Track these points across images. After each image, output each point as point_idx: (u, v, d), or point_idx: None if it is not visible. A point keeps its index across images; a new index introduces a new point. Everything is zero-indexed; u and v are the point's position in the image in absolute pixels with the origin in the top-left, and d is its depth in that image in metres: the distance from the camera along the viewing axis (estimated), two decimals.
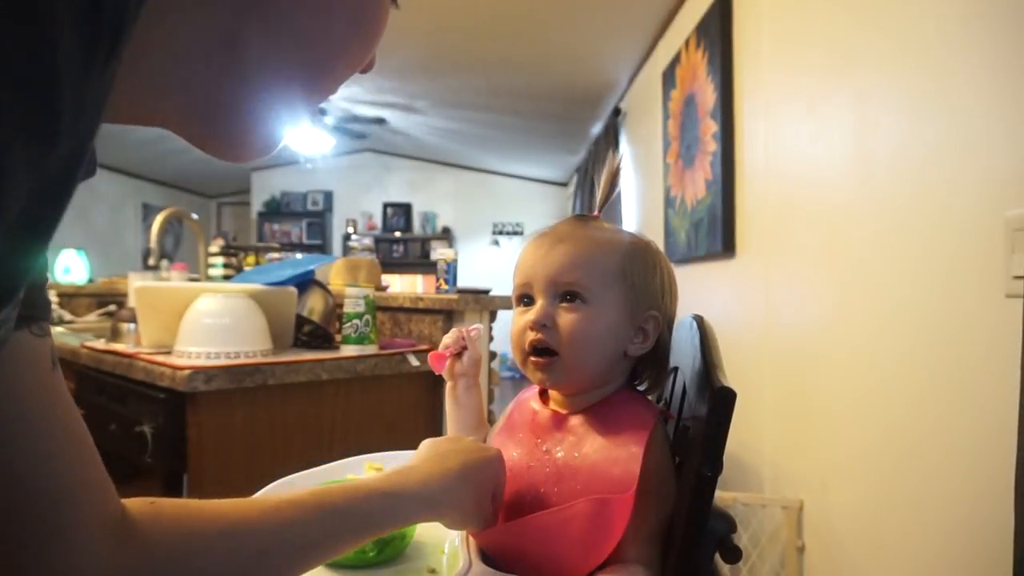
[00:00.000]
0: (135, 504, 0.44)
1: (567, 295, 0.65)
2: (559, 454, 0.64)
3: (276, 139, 0.42)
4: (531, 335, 0.65)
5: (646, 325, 0.67)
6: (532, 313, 0.65)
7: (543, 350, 0.64)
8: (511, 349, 0.68)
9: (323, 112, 5.26)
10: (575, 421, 0.66)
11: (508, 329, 0.71)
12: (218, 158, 0.41)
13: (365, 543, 0.56)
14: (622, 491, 0.58)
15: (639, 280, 0.67)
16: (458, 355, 0.78)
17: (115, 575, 0.40)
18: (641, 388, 0.71)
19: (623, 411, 0.65)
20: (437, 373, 0.79)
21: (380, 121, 5.66)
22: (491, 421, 0.74)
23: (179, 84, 0.36)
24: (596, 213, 0.72)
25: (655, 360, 0.70)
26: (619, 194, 4.04)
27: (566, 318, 0.64)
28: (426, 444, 0.64)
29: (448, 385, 0.79)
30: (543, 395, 0.71)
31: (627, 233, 0.71)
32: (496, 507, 0.64)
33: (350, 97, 5.08)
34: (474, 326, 0.82)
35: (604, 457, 0.62)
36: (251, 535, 0.47)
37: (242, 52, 0.36)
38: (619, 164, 0.72)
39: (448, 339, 0.78)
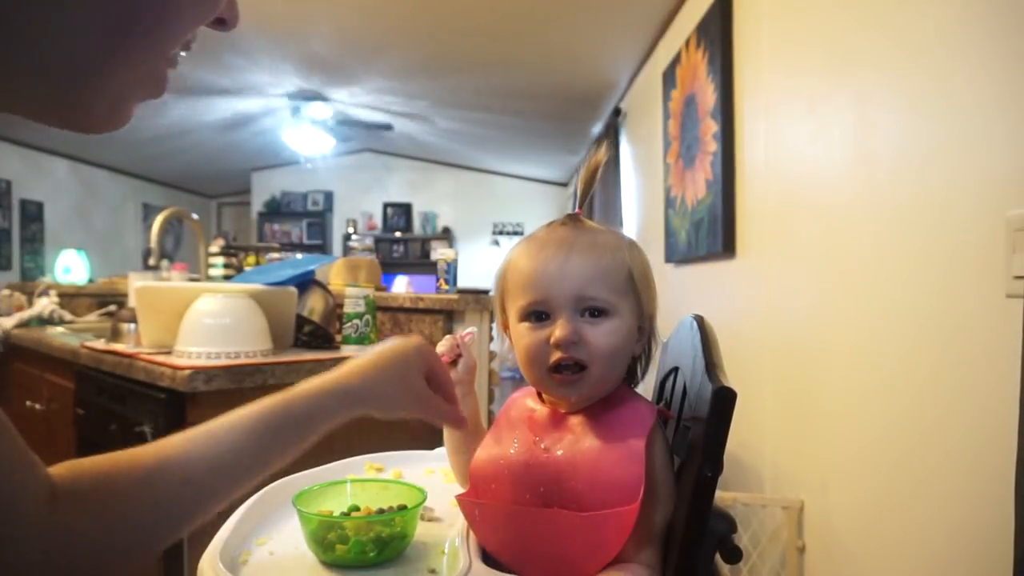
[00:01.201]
0: (57, 471, 0.46)
1: (590, 309, 0.64)
2: (559, 452, 0.64)
3: (126, 103, 0.40)
4: (557, 353, 0.63)
5: (644, 324, 0.68)
6: (559, 330, 0.63)
7: (570, 365, 0.63)
8: (523, 365, 0.66)
9: (324, 112, 5.26)
10: (575, 420, 0.66)
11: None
12: (70, 130, 0.40)
13: (298, 450, 0.58)
14: (627, 494, 0.58)
15: (642, 284, 0.67)
16: (453, 363, 0.77)
17: (49, 539, 0.42)
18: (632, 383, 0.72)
19: (623, 410, 0.65)
20: None
21: (387, 127, 5.67)
22: (491, 423, 0.74)
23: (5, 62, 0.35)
24: (578, 210, 0.70)
25: (645, 356, 0.71)
26: (619, 194, 4.04)
27: (593, 332, 0.63)
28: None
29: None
30: (540, 393, 0.71)
31: (615, 232, 0.70)
32: (446, 394, 0.68)
33: (351, 97, 5.08)
34: (468, 330, 0.81)
35: (607, 457, 0.62)
36: (171, 470, 0.50)
37: (63, 14, 0.35)
38: (601, 158, 0.71)
39: (442, 347, 0.77)
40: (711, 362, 0.62)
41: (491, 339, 2.08)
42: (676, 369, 0.75)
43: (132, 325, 1.73)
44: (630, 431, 0.62)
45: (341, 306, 1.79)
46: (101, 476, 0.47)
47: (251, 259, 3.12)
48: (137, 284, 1.70)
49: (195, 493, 0.50)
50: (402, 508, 0.71)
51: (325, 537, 0.67)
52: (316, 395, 0.59)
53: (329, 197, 7.83)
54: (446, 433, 0.79)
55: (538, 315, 0.65)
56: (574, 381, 0.64)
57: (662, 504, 0.62)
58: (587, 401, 0.67)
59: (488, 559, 0.65)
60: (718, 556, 0.62)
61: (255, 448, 0.54)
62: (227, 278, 2.66)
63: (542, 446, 0.66)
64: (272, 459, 0.56)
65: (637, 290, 0.66)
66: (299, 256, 3.21)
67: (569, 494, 0.62)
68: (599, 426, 0.64)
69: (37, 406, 2.10)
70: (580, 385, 0.64)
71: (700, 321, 0.71)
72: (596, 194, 4.54)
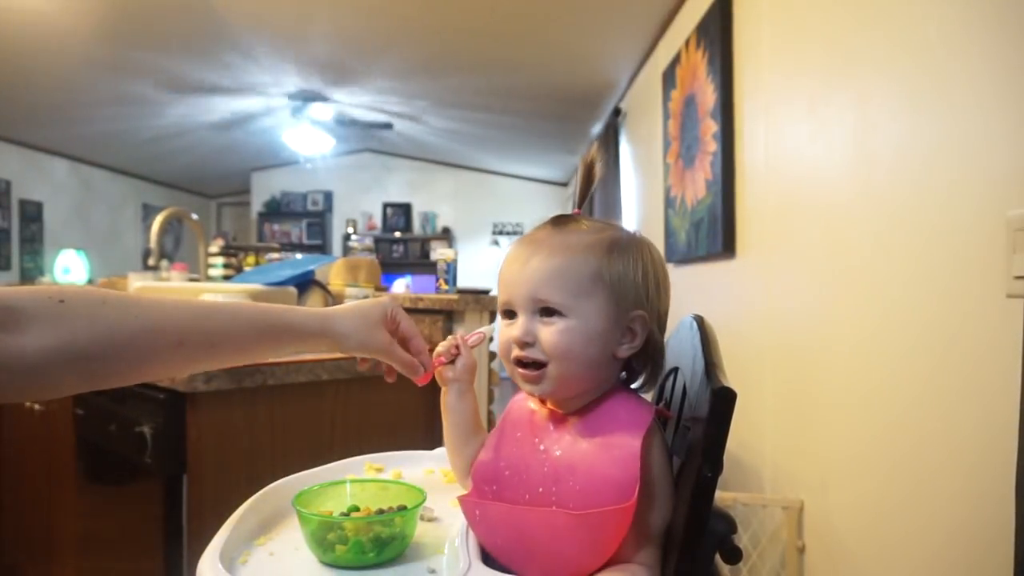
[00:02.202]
0: (73, 287, 0.63)
1: (544, 310, 0.65)
2: (557, 453, 0.65)
3: None
4: (516, 350, 0.66)
5: (633, 325, 0.66)
6: (515, 329, 0.66)
7: (531, 363, 0.65)
8: (501, 359, 0.69)
9: (324, 112, 5.26)
10: (571, 421, 0.67)
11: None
12: None
13: (272, 353, 0.72)
14: (622, 493, 0.59)
15: (619, 281, 0.66)
16: (451, 362, 0.78)
17: (56, 322, 0.57)
18: (637, 385, 0.71)
19: (618, 411, 0.65)
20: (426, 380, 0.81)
21: (387, 126, 5.66)
22: (492, 423, 0.75)
23: None
24: (576, 210, 0.71)
25: (648, 357, 0.69)
26: (619, 194, 4.04)
27: (546, 332, 0.64)
28: None
29: (442, 391, 0.79)
30: None
31: (611, 229, 0.69)
32: (413, 347, 0.81)
33: (350, 97, 5.08)
34: (477, 332, 0.83)
35: (602, 457, 0.62)
36: (168, 331, 0.63)
37: None
38: (593, 156, 0.71)
39: (441, 347, 0.79)
40: (711, 362, 0.62)
41: (491, 340, 2.08)
42: (676, 369, 0.75)
43: None
44: (626, 431, 0.62)
45: None
46: (113, 296, 0.61)
47: (251, 259, 3.12)
48: (137, 284, 1.70)
49: (184, 356, 0.64)
50: (402, 508, 0.71)
51: (325, 538, 0.67)
52: (296, 313, 0.73)
53: (329, 197, 7.83)
54: (446, 431, 0.80)
55: (508, 313, 0.68)
56: (535, 378, 0.66)
57: (659, 504, 0.62)
58: (573, 399, 0.67)
59: (488, 559, 0.65)
60: (718, 556, 0.62)
61: (243, 340, 0.69)
62: (227, 278, 2.66)
63: (541, 447, 0.66)
64: (253, 354, 0.71)
65: (612, 289, 0.65)
66: (299, 256, 3.20)
67: (567, 494, 0.62)
68: (596, 426, 0.65)
69: (36, 407, 2.10)
70: (541, 382, 0.66)
71: (700, 321, 0.71)
72: (596, 194, 4.54)
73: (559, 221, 0.70)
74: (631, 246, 0.68)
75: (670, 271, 0.72)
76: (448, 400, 0.78)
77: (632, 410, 0.65)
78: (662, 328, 0.69)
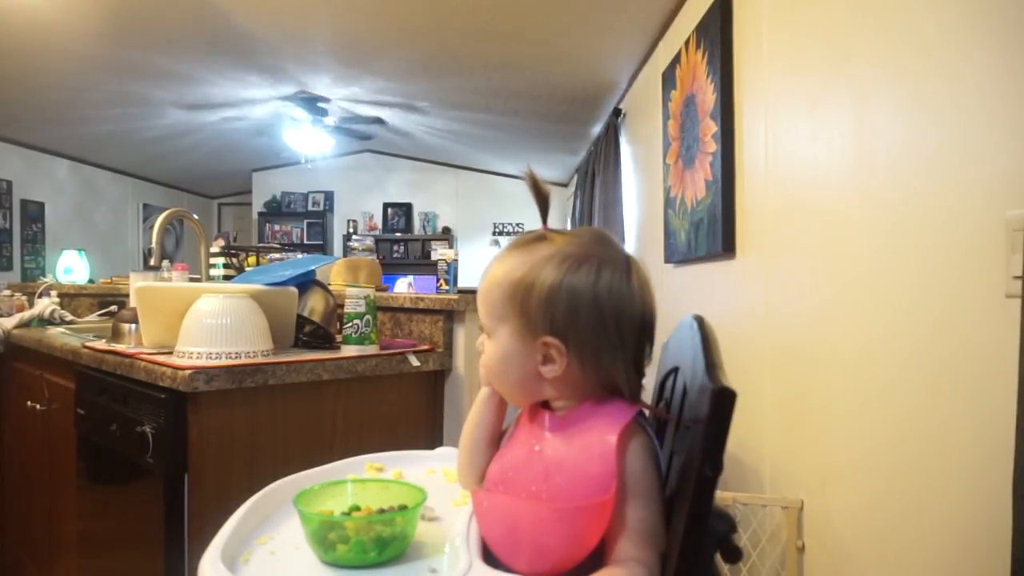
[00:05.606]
0: None
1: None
2: (549, 453, 0.68)
3: None
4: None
5: (548, 352, 0.67)
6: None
7: None
8: None
9: (324, 112, 5.26)
10: (561, 423, 0.69)
11: None
12: None
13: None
14: (599, 489, 0.61)
15: (525, 310, 0.67)
16: None
17: None
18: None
19: (600, 413, 0.67)
20: None
21: (379, 121, 5.66)
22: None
23: None
24: (543, 227, 0.75)
25: (593, 378, 0.67)
26: (619, 194, 4.04)
27: (484, 351, 0.73)
28: None
29: (484, 389, 0.77)
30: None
31: (548, 253, 0.68)
32: None
33: (351, 97, 5.09)
34: None
35: (583, 455, 0.65)
36: None
37: None
38: (531, 174, 0.76)
39: None
40: (711, 362, 0.62)
41: None
42: (676, 369, 0.75)
43: (133, 325, 1.74)
44: (606, 430, 0.65)
45: (342, 306, 1.79)
46: None
47: (252, 259, 3.12)
48: (138, 284, 1.70)
49: None
50: (402, 508, 0.72)
51: (326, 537, 0.67)
52: None
53: (329, 197, 7.84)
54: (470, 428, 0.77)
55: None
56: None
57: (643, 500, 0.63)
58: (560, 403, 0.70)
59: (489, 558, 0.65)
60: (718, 556, 0.62)
61: None
62: (228, 278, 2.66)
63: (536, 448, 0.69)
64: None
65: (520, 317, 0.67)
66: (300, 256, 3.21)
67: (555, 491, 0.64)
68: (581, 428, 0.67)
69: (38, 406, 2.10)
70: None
71: (700, 321, 0.71)
72: (597, 194, 4.53)
73: (519, 241, 0.73)
74: (568, 270, 0.67)
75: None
76: (490, 401, 0.76)
77: (613, 412, 0.67)
78: (599, 355, 0.66)
